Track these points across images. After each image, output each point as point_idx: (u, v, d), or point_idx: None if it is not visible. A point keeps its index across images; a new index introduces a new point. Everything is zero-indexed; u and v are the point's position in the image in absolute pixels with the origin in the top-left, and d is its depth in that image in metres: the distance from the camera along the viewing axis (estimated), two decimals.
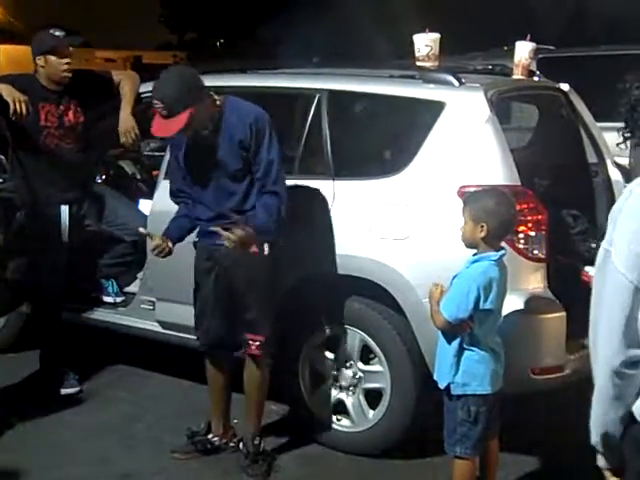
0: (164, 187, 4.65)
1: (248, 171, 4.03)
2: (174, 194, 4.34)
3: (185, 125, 3.86)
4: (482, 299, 3.46)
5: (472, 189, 3.85)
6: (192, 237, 4.29)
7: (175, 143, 4.21)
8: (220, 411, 4.40)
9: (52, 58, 4.87)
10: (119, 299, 5.31)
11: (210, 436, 4.39)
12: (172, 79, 3.92)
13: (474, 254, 3.57)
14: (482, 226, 3.50)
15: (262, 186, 4.01)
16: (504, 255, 3.59)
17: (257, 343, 4.10)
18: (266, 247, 4.00)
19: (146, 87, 5.25)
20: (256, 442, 4.22)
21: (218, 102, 4.04)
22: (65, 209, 4.98)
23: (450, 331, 3.55)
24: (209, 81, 4.19)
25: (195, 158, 4.13)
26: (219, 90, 4.20)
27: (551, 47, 8.37)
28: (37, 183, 4.96)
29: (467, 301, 3.46)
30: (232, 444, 4.39)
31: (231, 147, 4.00)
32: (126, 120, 5.06)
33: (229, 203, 4.07)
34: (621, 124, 2.31)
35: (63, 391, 5.07)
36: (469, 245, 3.59)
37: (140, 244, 5.01)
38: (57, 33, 4.91)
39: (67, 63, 4.90)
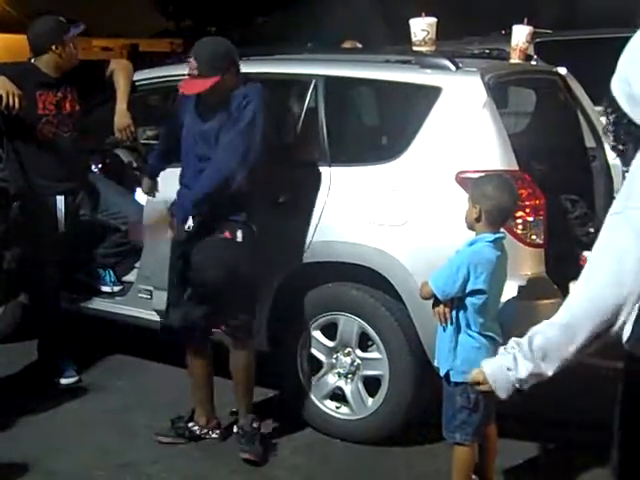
0: (161, 176, 4.63)
1: None
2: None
3: (209, 88, 3.95)
4: (472, 278, 3.45)
5: (476, 174, 3.84)
6: None
7: (186, 107, 4.19)
8: (202, 399, 4.39)
9: (70, 46, 4.92)
10: (116, 288, 5.31)
11: (191, 424, 4.38)
12: (210, 43, 4.12)
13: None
14: (475, 208, 3.51)
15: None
16: (502, 238, 3.58)
17: (234, 326, 4.12)
18: (239, 233, 4.02)
19: (142, 75, 5.23)
20: (255, 425, 4.23)
21: (241, 84, 4.04)
22: (61, 199, 4.96)
23: (434, 305, 3.55)
24: None
25: (196, 125, 4.11)
26: None
27: (548, 31, 8.33)
28: (33, 173, 4.92)
29: (456, 277, 3.46)
30: (214, 435, 4.40)
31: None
32: (122, 116, 5.03)
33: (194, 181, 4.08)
34: None
35: (62, 381, 5.07)
36: (468, 227, 3.61)
37: None
38: (69, 23, 5.00)
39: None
